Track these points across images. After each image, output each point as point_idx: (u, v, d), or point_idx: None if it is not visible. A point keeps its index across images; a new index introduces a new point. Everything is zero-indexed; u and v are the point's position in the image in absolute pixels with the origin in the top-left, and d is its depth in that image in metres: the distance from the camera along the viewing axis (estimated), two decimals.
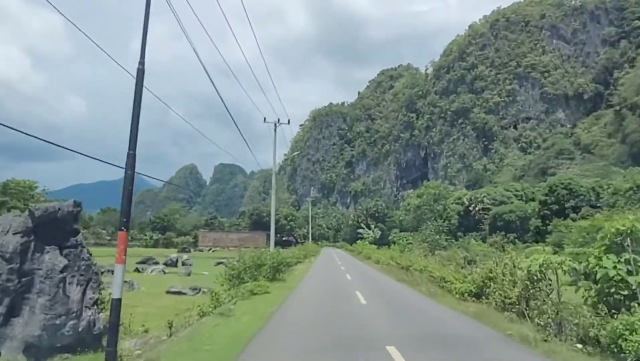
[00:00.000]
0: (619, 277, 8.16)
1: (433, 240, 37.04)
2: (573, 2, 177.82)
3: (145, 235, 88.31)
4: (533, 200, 63.42)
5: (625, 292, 8.05)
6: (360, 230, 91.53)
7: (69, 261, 7.64)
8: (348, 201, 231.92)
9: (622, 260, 8.45)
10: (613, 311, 7.92)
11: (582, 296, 9.38)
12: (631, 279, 8.13)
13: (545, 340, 8.78)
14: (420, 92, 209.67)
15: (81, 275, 7.79)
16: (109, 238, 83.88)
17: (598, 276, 8.59)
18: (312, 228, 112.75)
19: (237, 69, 19.93)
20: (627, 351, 6.77)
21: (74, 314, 7.25)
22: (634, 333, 6.83)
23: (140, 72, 7.69)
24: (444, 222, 46.82)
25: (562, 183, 54.33)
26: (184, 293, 15.36)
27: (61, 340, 6.91)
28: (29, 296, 6.98)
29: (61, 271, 7.37)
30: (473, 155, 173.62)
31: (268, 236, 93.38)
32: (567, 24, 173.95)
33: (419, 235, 39.83)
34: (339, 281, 22.77)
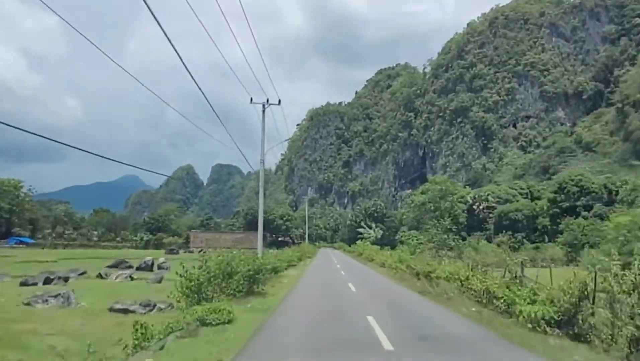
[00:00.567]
0: None
1: (440, 240, 34.53)
2: None
3: (135, 237, 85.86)
4: (538, 198, 61.30)
5: None
6: (360, 230, 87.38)
7: None
8: (346, 201, 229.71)
9: None
10: None
11: None
12: None
13: None
14: (419, 91, 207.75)
15: None
16: (96, 239, 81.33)
17: None
18: (309, 228, 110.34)
19: (232, 68, 19.51)
20: None
21: None
22: None
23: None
24: (451, 220, 43.87)
25: (573, 180, 51.75)
26: (132, 311, 12.13)
27: None
28: None
29: None
30: (472, 154, 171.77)
31: (264, 236, 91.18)
32: (567, 22, 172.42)
33: (426, 233, 36.83)
34: (340, 295, 16.84)
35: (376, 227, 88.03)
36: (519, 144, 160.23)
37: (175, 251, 58.53)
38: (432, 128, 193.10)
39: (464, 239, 43.69)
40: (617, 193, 49.71)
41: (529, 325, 9.54)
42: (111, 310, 12.52)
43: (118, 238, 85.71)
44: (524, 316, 9.84)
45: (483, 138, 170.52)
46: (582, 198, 49.70)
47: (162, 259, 32.90)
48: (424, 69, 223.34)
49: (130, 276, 19.88)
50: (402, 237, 31.60)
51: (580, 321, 8.71)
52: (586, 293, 8.71)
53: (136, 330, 7.54)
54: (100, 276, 21.91)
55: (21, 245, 62.64)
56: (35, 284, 17.92)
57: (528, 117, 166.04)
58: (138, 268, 27.96)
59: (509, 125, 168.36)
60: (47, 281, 18.60)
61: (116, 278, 19.86)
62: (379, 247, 50.48)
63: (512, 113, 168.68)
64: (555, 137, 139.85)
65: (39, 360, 7.62)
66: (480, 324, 10.91)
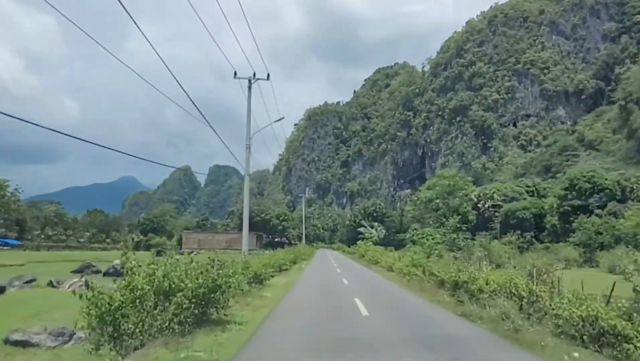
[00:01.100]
0: None
1: (449, 240, 32.00)
2: None
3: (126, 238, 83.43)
4: (544, 196, 59.13)
5: None
6: (361, 229, 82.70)
7: None
8: (344, 201, 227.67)
9: None
10: None
11: None
12: None
13: None
14: (417, 90, 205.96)
15: None
16: (82, 240, 78.79)
17: None
18: (307, 228, 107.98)
19: (229, 69, 18.60)
20: None
21: None
22: None
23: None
24: (460, 218, 41.18)
25: (585, 177, 49.25)
26: (34, 345, 8.74)
27: None
28: None
29: None
30: (472, 153, 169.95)
31: (258, 236, 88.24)
32: (567, 20, 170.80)
33: (435, 232, 34.06)
34: (346, 320, 11.54)
35: (378, 226, 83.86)
36: (519, 143, 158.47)
37: (162, 252, 54.39)
38: (431, 128, 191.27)
39: (474, 238, 41.23)
40: (631, 190, 47.43)
41: None
42: (7, 341, 9.07)
43: (108, 240, 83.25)
44: None
45: (483, 137, 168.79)
46: (595, 195, 47.54)
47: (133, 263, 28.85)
48: (423, 67, 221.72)
49: (87, 285, 17.18)
50: (413, 235, 27.81)
51: None
52: None
53: None
54: (51, 284, 18.54)
55: (5, 247, 60.03)
56: None
57: (528, 116, 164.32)
58: (106, 274, 25.14)
59: (509, 124, 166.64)
60: None
61: (69, 287, 16.52)
62: (382, 248, 46.81)
63: (512, 112, 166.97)
64: (557, 135, 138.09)
65: None
66: None
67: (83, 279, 16.84)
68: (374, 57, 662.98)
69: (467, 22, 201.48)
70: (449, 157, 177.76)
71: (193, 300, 9.07)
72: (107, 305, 7.56)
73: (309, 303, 15.04)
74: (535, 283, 10.93)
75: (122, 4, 8.21)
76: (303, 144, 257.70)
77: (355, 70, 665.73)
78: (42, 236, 73.71)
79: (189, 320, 8.85)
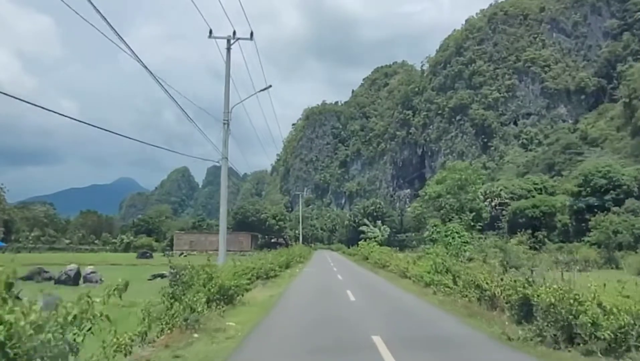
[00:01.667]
0: None
1: (475, 239, 29.19)
2: None
3: (115, 240, 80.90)
4: (553, 194, 56.75)
5: None
6: (363, 228, 77.68)
7: None
8: (343, 202, 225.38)
9: None
10: None
11: None
12: None
13: None
14: (417, 89, 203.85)
15: None
16: (67, 241, 76.48)
17: None
18: (305, 229, 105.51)
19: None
20: None
21: None
22: None
23: None
24: (473, 216, 38.16)
25: (600, 172, 46.87)
26: None
27: None
28: None
29: None
30: (472, 152, 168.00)
31: (253, 237, 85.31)
32: (568, 17, 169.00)
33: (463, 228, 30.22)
34: None
35: (382, 225, 79.44)
36: (520, 142, 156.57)
37: (148, 255, 51.50)
38: (431, 127, 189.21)
39: (486, 238, 38.67)
40: None
41: None
42: None
43: (96, 241, 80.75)
44: None
45: (483, 136, 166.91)
46: (611, 192, 45.10)
47: (89, 269, 24.26)
48: (422, 66, 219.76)
49: (17, 297, 14.66)
50: (432, 233, 23.64)
51: None
52: None
53: None
54: None
55: None
56: None
57: (529, 114, 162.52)
58: (58, 281, 22.07)
59: (510, 123, 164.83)
60: None
61: None
62: (389, 249, 42.51)
63: (513, 110, 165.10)
64: (559, 133, 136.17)
65: None
66: None
67: (35, 285, 14.09)
68: (372, 58, 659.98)
69: (466, 20, 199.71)
70: (449, 156, 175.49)
71: None
72: None
73: (296, 342, 9.27)
74: None
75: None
76: (301, 144, 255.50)
77: (352, 71, 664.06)
78: (30, 238, 71.27)
79: None
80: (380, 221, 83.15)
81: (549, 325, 8.36)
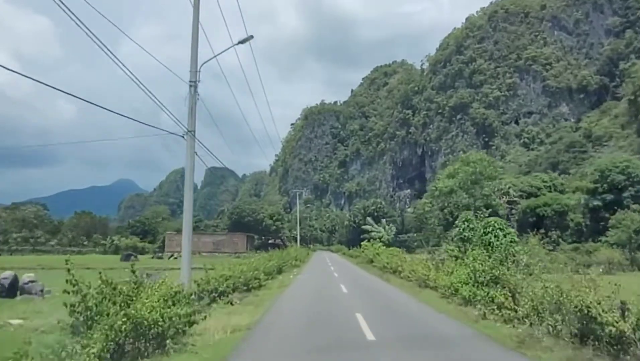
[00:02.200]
0: None
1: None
2: None
3: (105, 241, 78.42)
4: (562, 192, 54.47)
5: None
6: (367, 227, 72.45)
7: None
8: (342, 202, 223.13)
9: None
10: None
11: None
12: None
13: None
14: (416, 88, 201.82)
15: None
16: (54, 243, 74.14)
17: None
18: (303, 229, 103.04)
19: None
20: None
21: None
22: None
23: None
24: (489, 213, 34.93)
25: (617, 167, 44.77)
26: None
27: None
28: None
29: None
30: (473, 152, 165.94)
31: (249, 238, 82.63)
32: (569, 15, 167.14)
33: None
34: None
35: (387, 223, 74.83)
36: (521, 141, 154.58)
37: (133, 256, 48.42)
38: (431, 126, 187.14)
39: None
40: None
41: None
42: None
43: (86, 243, 78.37)
44: None
45: (484, 135, 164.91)
46: (630, 188, 42.69)
47: (27, 277, 19.45)
48: (422, 65, 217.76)
49: None
50: (464, 229, 19.74)
51: None
52: None
53: None
54: None
55: None
56: None
57: (530, 113, 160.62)
58: None
59: (511, 122, 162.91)
60: None
61: None
62: (399, 250, 37.12)
63: (514, 109, 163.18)
64: (561, 132, 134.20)
65: None
66: None
67: None
68: (371, 58, 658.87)
69: (467, 19, 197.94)
70: (450, 155, 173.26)
71: None
72: None
73: None
74: None
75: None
76: (300, 144, 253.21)
77: (352, 71, 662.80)
78: (17, 239, 68.82)
79: None
80: (384, 220, 78.82)
81: None
